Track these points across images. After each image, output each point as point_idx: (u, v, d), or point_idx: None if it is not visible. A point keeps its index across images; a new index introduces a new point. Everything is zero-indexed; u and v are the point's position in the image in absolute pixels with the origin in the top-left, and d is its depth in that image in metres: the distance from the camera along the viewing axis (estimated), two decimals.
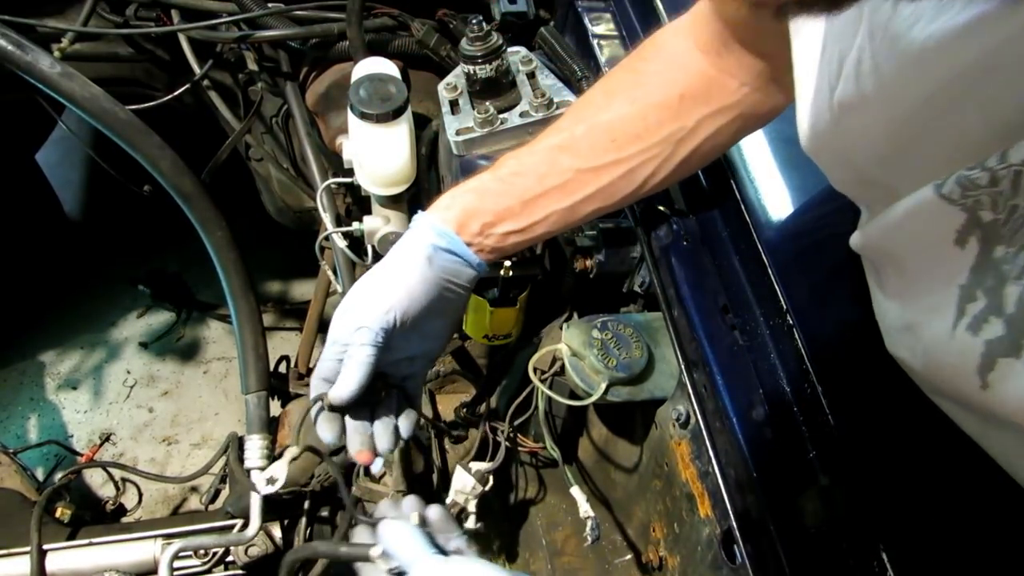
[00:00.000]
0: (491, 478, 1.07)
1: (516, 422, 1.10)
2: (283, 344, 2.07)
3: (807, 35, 0.52)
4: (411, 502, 0.70)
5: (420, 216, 0.74)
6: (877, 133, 0.47)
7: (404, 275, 0.71)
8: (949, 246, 0.45)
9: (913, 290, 0.53)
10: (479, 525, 1.06)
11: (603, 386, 0.89)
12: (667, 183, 0.78)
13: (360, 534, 0.70)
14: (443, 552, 0.63)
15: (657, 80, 0.74)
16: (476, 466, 1.06)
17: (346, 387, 0.68)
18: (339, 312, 0.73)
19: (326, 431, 0.73)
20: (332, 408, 0.71)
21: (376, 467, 0.76)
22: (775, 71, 0.70)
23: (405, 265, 0.71)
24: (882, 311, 0.64)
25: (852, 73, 0.46)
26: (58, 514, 1.30)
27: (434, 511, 0.69)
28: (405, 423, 0.76)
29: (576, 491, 0.97)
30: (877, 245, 0.56)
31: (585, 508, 0.95)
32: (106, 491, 1.73)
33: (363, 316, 0.70)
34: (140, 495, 1.60)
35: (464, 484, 1.06)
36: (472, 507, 1.06)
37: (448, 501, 1.07)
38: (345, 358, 0.70)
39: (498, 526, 1.26)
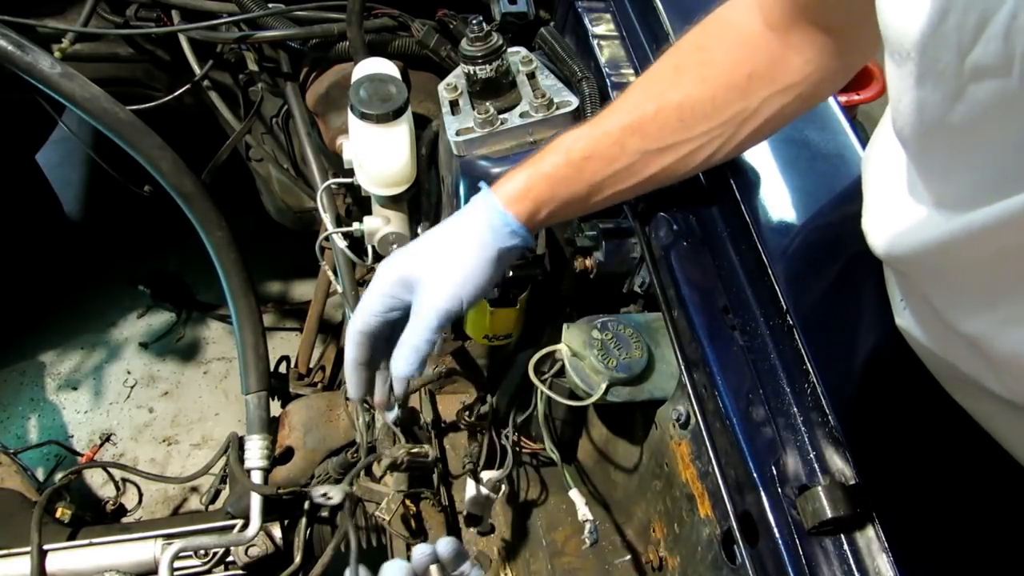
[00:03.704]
0: (504, 485, 1.08)
1: (517, 423, 1.11)
2: (283, 344, 2.07)
3: (906, 6, 0.47)
4: (420, 553, 0.70)
5: (495, 205, 0.74)
6: (1020, 113, 0.42)
7: (474, 268, 0.73)
8: None
9: (986, 299, 0.51)
10: (490, 523, 1.08)
11: (603, 386, 0.89)
12: (724, 161, 0.79)
13: None
14: None
15: (726, 59, 0.74)
16: (487, 475, 1.07)
17: (406, 371, 0.73)
18: (398, 269, 0.74)
19: (355, 387, 0.78)
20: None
21: (391, 416, 0.81)
22: (840, 48, 0.70)
23: (476, 257, 0.73)
24: (916, 323, 0.64)
25: (1001, 32, 0.40)
26: (58, 514, 1.30)
27: (444, 546, 0.70)
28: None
29: (575, 494, 0.97)
30: (945, 250, 0.51)
31: (584, 511, 0.95)
32: (106, 491, 1.73)
33: (433, 299, 0.72)
34: (140, 495, 1.60)
35: (479, 497, 1.07)
36: (488, 516, 1.08)
37: (465, 513, 1.08)
38: (408, 341, 0.72)
39: (499, 527, 1.26)
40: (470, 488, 1.09)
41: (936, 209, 0.54)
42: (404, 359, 0.72)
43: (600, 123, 0.76)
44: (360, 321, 0.75)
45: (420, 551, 0.68)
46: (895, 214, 0.59)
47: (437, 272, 0.73)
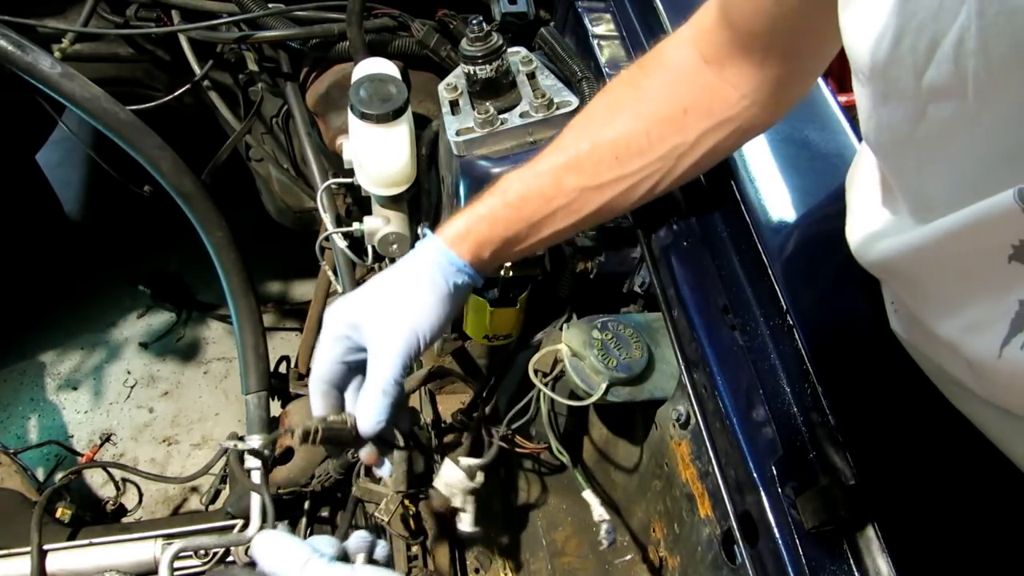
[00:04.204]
0: (481, 474, 1.06)
1: (516, 423, 1.10)
2: (283, 344, 2.07)
3: (866, 29, 0.48)
4: (358, 538, 0.65)
5: (439, 246, 0.74)
6: (981, 129, 0.43)
7: (429, 305, 0.71)
8: (1003, 261, 0.43)
9: (951, 306, 0.51)
10: (477, 529, 1.06)
11: (603, 386, 0.89)
12: (664, 193, 0.79)
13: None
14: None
15: (661, 94, 0.74)
16: (466, 461, 1.05)
17: (375, 420, 0.69)
18: (346, 314, 0.72)
19: (334, 452, 0.75)
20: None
21: (385, 470, 0.77)
22: (778, 82, 0.71)
23: (429, 295, 0.72)
24: (905, 326, 0.64)
25: (950, 55, 0.41)
26: (58, 514, 1.30)
27: (380, 549, 0.65)
28: (404, 420, 0.78)
29: (588, 494, 0.97)
30: (913, 257, 0.53)
31: (600, 511, 0.94)
32: (106, 491, 1.73)
33: (391, 341, 0.69)
34: (140, 495, 1.60)
35: (452, 477, 1.05)
36: (469, 507, 1.05)
37: (434, 490, 1.06)
38: (373, 388, 0.69)
39: (499, 527, 1.26)
40: (446, 469, 1.07)
41: (907, 217, 0.55)
42: (372, 406, 0.69)
43: (536, 164, 0.76)
44: (318, 371, 0.72)
45: (359, 536, 0.64)
46: (871, 220, 0.61)
47: (390, 313, 0.71)
